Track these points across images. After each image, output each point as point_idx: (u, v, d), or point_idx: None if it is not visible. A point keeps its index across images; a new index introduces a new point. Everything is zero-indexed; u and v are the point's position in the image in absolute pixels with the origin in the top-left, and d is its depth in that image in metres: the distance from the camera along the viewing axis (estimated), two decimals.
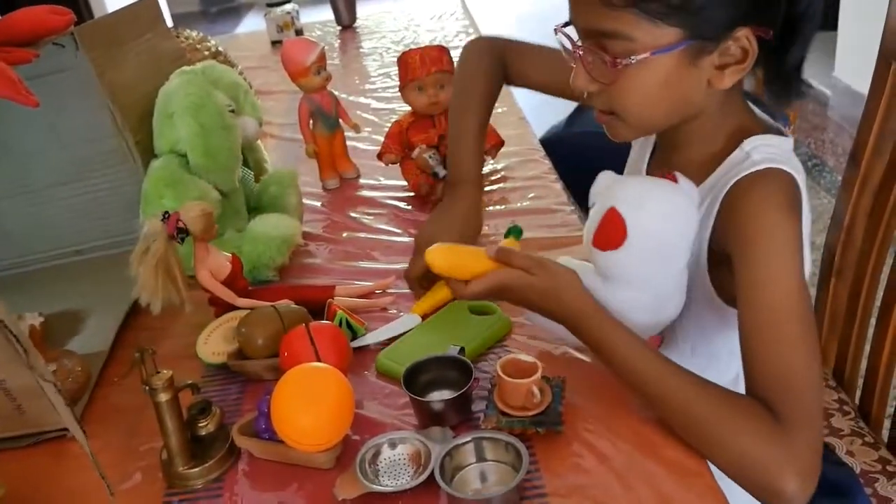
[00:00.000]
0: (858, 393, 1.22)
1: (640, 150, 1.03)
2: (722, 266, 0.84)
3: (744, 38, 0.79)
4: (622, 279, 0.84)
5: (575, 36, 0.85)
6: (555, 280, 0.85)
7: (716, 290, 0.88)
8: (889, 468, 1.08)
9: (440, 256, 0.87)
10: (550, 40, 0.92)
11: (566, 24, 0.86)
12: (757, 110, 0.91)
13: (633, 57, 0.79)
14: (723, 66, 0.81)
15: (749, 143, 0.84)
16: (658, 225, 0.81)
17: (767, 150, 0.83)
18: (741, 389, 0.79)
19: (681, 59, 0.80)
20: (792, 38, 0.82)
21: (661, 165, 0.92)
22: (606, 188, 0.85)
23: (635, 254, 0.82)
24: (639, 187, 0.84)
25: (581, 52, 0.84)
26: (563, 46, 0.86)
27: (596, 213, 0.85)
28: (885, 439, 1.14)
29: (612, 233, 0.82)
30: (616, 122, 0.87)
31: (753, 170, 0.82)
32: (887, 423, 1.17)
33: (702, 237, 0.86)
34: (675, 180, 0.82)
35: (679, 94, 0.83)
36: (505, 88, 1.31)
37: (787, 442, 0.71)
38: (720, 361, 0.94)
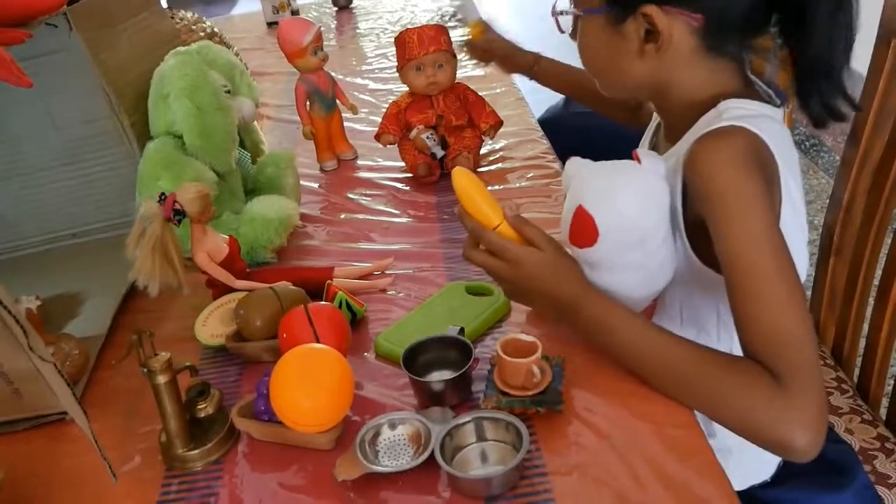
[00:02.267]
0: (857, 371, 1.22)
1: (650, 125, 1.04)
2: (697, 228, 0.83)
3: (655, 17, 0.82)
4: (604, 267, 0.85)
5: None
6: (561, 258, 0.86)
7: (696, 254, 0.87)
8: (887, 445, 1.08)
9: (464, 183, 0.88)
10: (547, 19, 0.95)
11: None
12: (757, 80, 0.90)
13: (570, 10, 0.90)
14: (645, 43, 0.85)
15: (725, 104, 0.84)
16: (627, 217, 0.82)
17: (737, 112, 0.82)
18: None
19: (606, 25, 0.87)
20: (801, 30, 0.81)
21: (662, 140, 0.93)
22: (574, 181, 0.86)
23: (611, 247, 0.83)
24: (603, 181, 0.84)
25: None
26: None
27: (567, 209, 0.86)
28: (884, 417, 1.15)
29: (583, 232, 0.83)
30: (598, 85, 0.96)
31: (711, 128, 0.81)
32: (885, 401, 1.17)
33: (674, 201, 0.86)
34: (638, 160, 0.82)
35: (616, 59, 0.89)
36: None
37: (789, 399, 0.72)
38: (710, 335, 0.94)
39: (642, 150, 0.83)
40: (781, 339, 0.73)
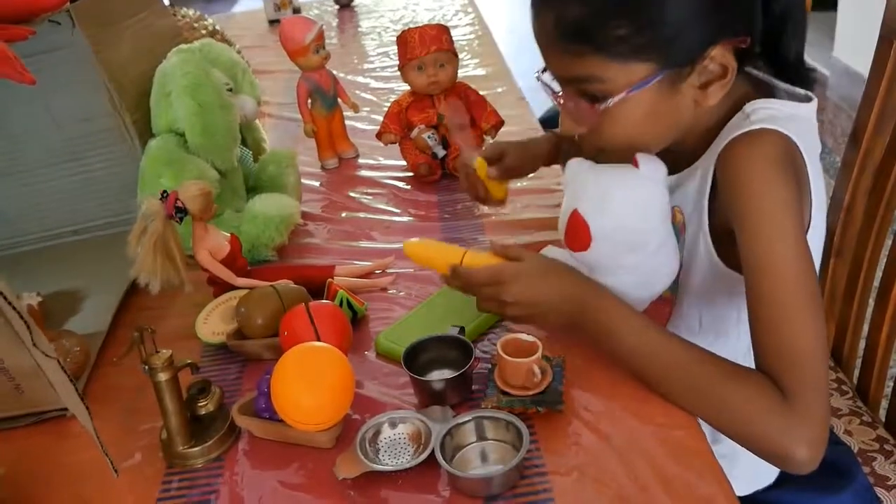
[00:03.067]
0: (856, 373, 1.22)
1: None
2: (724, 233, 0.83)
3: (719, 56, 0.79)
4: (601, 270, 0.86)
5: (553, 80, 0.86)
6: (549, 265, 0.87)
7: (722, 259, 0.87)
8: (886, 447, 1.08)
9: (416, 249, 0.94)
10: None
11: (546, 69, 0.86)
12: (775, 81, 0.89)
13: (610, 99, 0.79)
14: (705, 85, 0.81)
15: (751, 106, 0.83)
16: (621, 222, 0.82)
17: (767, 112, 0.82)
18: (751, 362, 0.79)
19: (660, 90, 0.80)
20: (781, 36, 0.83)
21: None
22: (572, 181, 0.86)
23: (605, 251, 0.84)
24: (598, 186, 0.84)
25: (562, 99, 0.84)
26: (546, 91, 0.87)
27: (563, 212, 0.86)
28: (883, 418, 1.15)
29: (577, 236, 0.84)
30: (609, 157, 0.87)
31: (744, 131, 0.80)
32: (885, 403, 1.17)
33: (700, 205, 0.86)
34: (637, 164, 0.82)
35: (666, 120, 0.84)
36: (503, 68, 1.33)
37: (792, 413, 0.72)
38: (729, 336, 0.94)
39: (642, 154, 0.83)
40: (794, 351, 0.73)
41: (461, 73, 1.36)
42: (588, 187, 0.84)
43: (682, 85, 0.80)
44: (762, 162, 0.78)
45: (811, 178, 0.82)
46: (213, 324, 0.99)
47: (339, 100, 1.44)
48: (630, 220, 0.82)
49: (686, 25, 0.77)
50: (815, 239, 0.85)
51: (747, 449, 0.75)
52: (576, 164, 0.88)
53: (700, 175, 0.86)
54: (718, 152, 0.83)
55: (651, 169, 0.82)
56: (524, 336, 0.83)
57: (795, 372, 0.73)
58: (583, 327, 0.85)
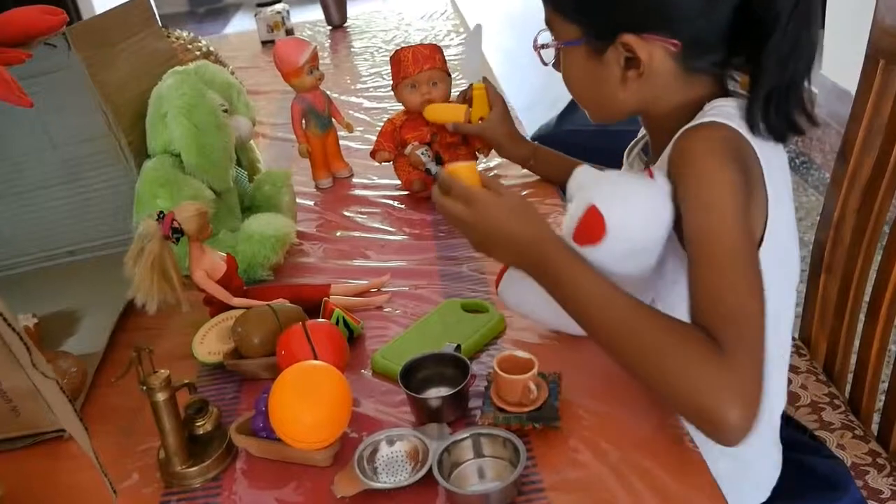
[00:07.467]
0: (848, 387, 1.23)
1: (638, 136, 1.05)
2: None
3: (632, 44, 0.83)
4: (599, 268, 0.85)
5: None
6: (523, 207, 0.86)
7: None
8: (879, 460, 1.09)
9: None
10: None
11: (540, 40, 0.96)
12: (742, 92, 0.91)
13: (551, 43, 0.92)
14: (627, 70, 0.86)
15: (710, 104, 0.85)
16: (637, 222, 0.82)
17: (722, 110, 0.83)
18: None
19: (586, 55, 0.89)
20: (759, 72, 0.83)
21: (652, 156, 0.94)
22: (587, 183, 0.87)
23: (613, 251, 0.83)
24: (619, 185, 0.84)
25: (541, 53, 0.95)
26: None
27: (576, 209, 0.86)
28: (875, 432, 1.16)
29: (591, 229, 0.83)
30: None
31: (693, 124, 0.83)
32: (877, 417, 1.18)
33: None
34: (651, 175, 0.83)
35: (598, 86, 0.90)
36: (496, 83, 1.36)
37: (726, 368, 0.70)
38: None
39: (655, 168, 0.84)
40: (730, 310, 0.73)
41: (454, 91, 1.38)
42: (606, 186, 0.84)
43: (603, 59, 0.87)
44: (704, 149, 0.80)
45: (767, 175, 0.82)
46: (210, 343, 0.99)
47: (333, 120, 1.45)
48: (643, 223, 0.82)
49: (603, 3, 0.85)
50: (784, 236, 0.86)
51: (679, 409, 0.73)
52: (585, 171, 0.89)
53: (658, 168, 0.87)
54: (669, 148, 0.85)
55: (663, 181, 0.83)
56: (520, 353, 0.84)
57: (730, 328, 0.72)
58: (534, 275, 0.84)
